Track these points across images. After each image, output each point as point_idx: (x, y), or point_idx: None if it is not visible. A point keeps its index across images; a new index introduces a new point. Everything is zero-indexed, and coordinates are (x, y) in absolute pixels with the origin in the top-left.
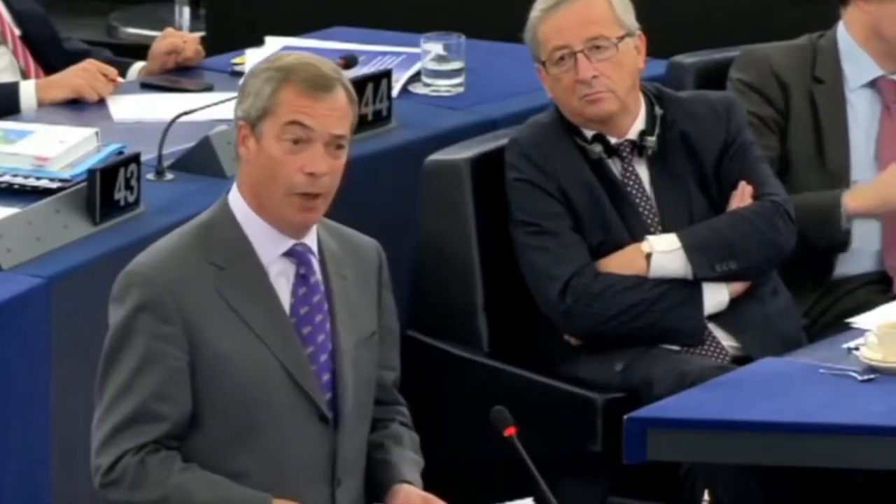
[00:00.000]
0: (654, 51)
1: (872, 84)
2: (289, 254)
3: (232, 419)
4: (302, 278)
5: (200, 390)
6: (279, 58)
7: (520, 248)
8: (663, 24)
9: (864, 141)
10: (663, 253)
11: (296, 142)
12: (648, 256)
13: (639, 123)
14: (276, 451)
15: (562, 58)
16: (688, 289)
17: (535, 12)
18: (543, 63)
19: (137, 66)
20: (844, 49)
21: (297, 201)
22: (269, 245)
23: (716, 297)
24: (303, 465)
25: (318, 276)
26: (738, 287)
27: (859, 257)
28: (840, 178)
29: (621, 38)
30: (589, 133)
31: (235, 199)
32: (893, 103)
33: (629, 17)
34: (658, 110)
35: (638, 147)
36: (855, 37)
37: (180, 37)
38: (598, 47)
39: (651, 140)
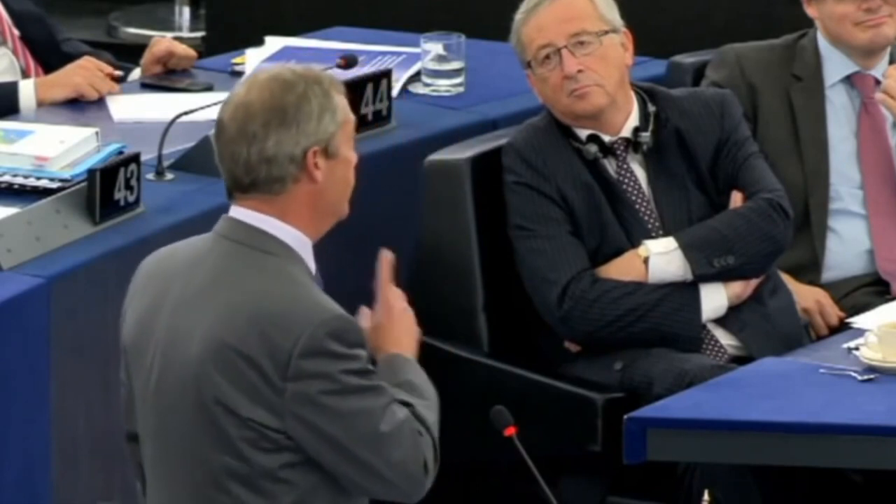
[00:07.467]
0: (654, 51)
1: (850, 80)
2: None
3: None
4: None
5: None
6: (298, 75)
7: (518, 252)
8: (663, 24)
9: (844, 137)
10: (660, 255)
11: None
12: (646, 261)
13: (632, 120)
14: None
15: (547, 56)
16: (686, 294)
17: (517, 16)
18: (530, 65)
19: (138, 73)
20: (823, 47)
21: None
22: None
23: (714, 301)
24: None
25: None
26: (737, 289)
27: (850, 257)
28: (818, 174)
29: (605, 33)
30: (583, 134)
31: (283, 231)
32: (870, 99)
33: (612, 14)
34: (651, 107)
35: (633, 144)
36: (824, 36)
37: (168, 43)
38: (581, 43)
39: (645, 136)
